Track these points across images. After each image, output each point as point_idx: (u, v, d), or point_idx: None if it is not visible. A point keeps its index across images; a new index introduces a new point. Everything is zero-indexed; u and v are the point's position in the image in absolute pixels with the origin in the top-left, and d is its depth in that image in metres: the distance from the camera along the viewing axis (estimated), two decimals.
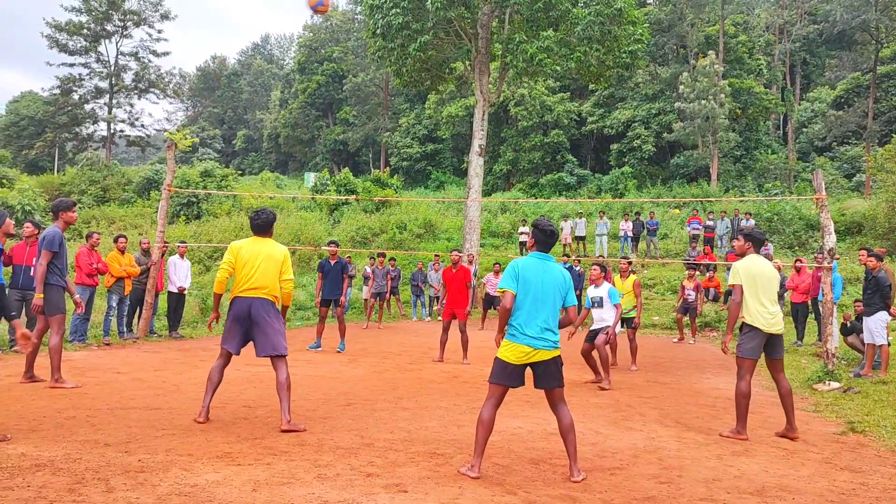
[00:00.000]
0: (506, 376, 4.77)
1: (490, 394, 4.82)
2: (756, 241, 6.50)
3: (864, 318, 9.98)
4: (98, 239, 11.37)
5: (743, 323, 6.32)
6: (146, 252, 12.65)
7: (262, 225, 6.06)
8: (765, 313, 6.21)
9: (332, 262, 11.57)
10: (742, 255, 6.48)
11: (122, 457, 4.77)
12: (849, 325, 11.23)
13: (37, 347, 7.27)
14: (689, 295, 15.00)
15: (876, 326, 9.66)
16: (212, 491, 4.12)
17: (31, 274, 9.96)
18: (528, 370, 4.82)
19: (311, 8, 11.62)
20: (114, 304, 11.60)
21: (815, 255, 13.59)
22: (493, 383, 4.83)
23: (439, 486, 4.42)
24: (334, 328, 12.24)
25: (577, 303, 4.88)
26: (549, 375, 4.78)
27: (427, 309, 19.17)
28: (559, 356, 4.82)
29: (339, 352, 11.45)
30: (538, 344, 4.70)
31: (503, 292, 4.79)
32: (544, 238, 4.92)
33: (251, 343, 6.03)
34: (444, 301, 11.29)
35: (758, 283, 6.25)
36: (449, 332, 11.02)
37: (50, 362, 7.31)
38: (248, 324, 5.90)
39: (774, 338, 6.29)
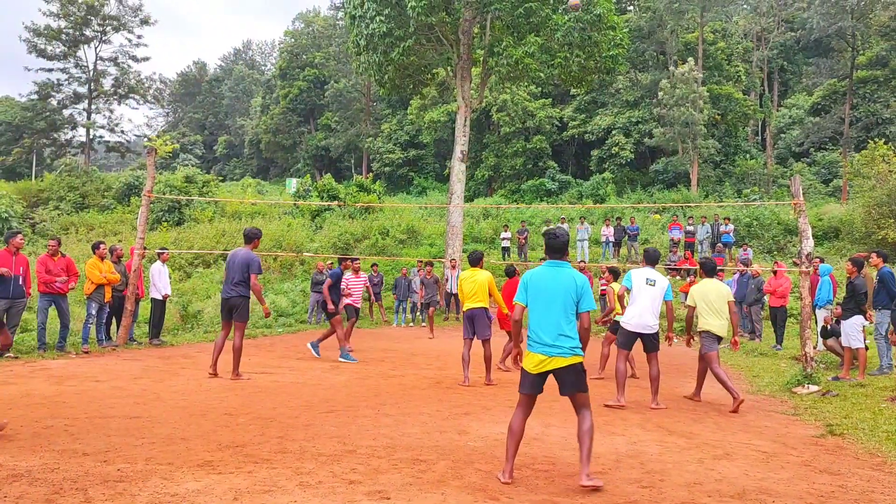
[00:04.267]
0: (526, 385, 4.89)
1: (518, 402, 4.96)
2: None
3: (840, 321, 10.12)
4: (56, 246, 11.03)
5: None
6: (118, 260, 12.49)
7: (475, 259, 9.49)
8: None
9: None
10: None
11: (101, 466, 4.73)
12: (829, 328, 11.36)
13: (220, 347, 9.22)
14: None
15: (852, 330, 9.80)
16: (192, 500, 4.09)
17: (20, 283, 10.10)
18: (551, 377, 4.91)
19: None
20: (93, 312, 11.41)
21: (794, 259, 13.76)
22: (520, 392, 4.97)
23: (422, 492, 4.42)
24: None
25: (593, 307, 4.92)
26: (568, 382, 4.80)
27: (412, 315, 19.15)
28: (578, 363, 4.79)
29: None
30: (552, 351, 4.74)
31: (516, 305, 4.97)
32: (551, 243, 4.98)
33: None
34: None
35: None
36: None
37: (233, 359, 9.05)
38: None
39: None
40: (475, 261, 9.40)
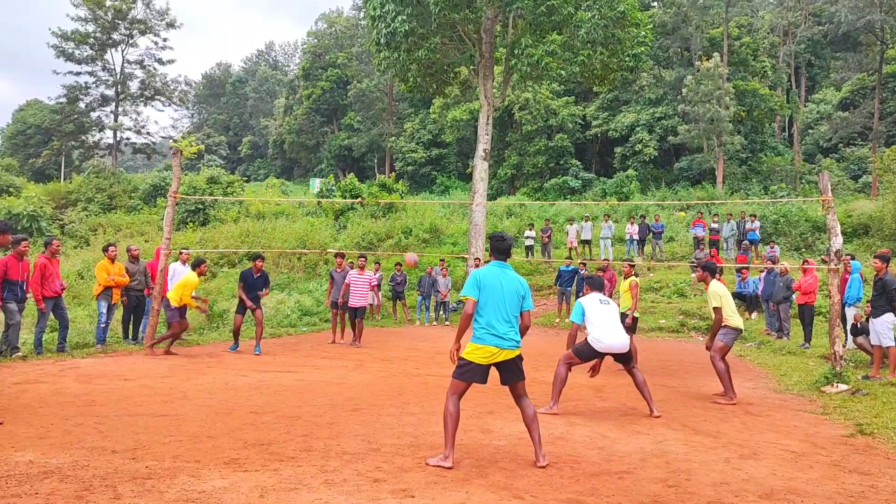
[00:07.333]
0: (471, 375, 5.16)
1: (454, 389, 5.18)
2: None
3: (870, 319, 9.95)
4: (57, 247, 10.85)
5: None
6: (135, 259, 12.60)
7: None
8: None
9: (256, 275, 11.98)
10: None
11: (130, 464, 4.79)
12: (859, 325, 11.18)
13: None
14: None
15: (882, 328, 9.63)
16: (219, 497, 4.14)
17: (25, 287, 10.23)
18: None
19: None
20: (104, 311, 11.50)
21: (822, 256, 13.56)
22: (457, 380, 5.19)
23: (446, 490, 4.42)
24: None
25: (532, 307, 5.42)
26: (512, 371, 5.24)
27: (435, 313, 19.16)
28: (521, 355, 5.27)
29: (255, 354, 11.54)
30: (504, 344, 5.10)
31: (465, 299, 5.21)
32: (499, 246, 5.43)
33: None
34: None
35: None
36: None
37: None
38: None
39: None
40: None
